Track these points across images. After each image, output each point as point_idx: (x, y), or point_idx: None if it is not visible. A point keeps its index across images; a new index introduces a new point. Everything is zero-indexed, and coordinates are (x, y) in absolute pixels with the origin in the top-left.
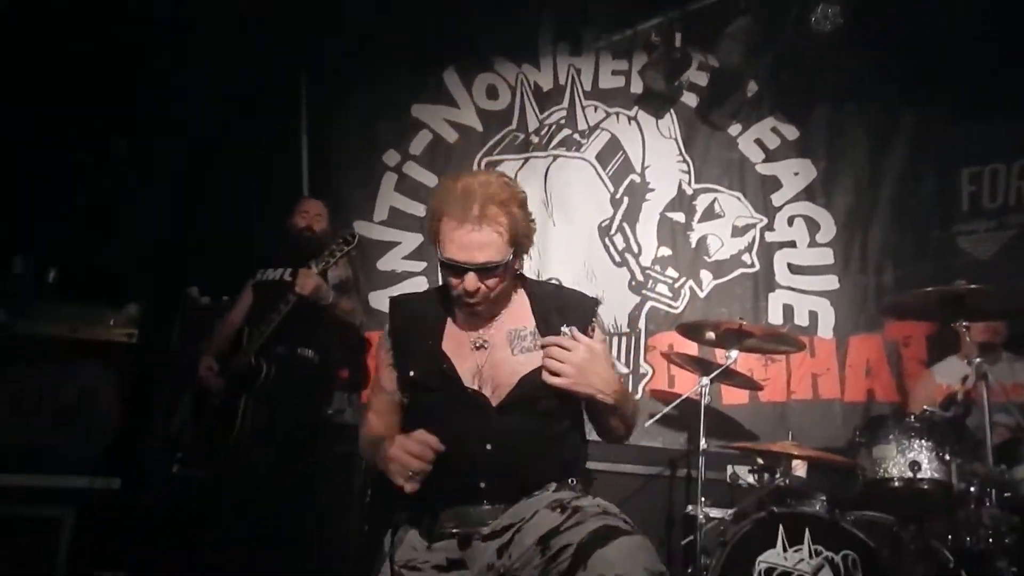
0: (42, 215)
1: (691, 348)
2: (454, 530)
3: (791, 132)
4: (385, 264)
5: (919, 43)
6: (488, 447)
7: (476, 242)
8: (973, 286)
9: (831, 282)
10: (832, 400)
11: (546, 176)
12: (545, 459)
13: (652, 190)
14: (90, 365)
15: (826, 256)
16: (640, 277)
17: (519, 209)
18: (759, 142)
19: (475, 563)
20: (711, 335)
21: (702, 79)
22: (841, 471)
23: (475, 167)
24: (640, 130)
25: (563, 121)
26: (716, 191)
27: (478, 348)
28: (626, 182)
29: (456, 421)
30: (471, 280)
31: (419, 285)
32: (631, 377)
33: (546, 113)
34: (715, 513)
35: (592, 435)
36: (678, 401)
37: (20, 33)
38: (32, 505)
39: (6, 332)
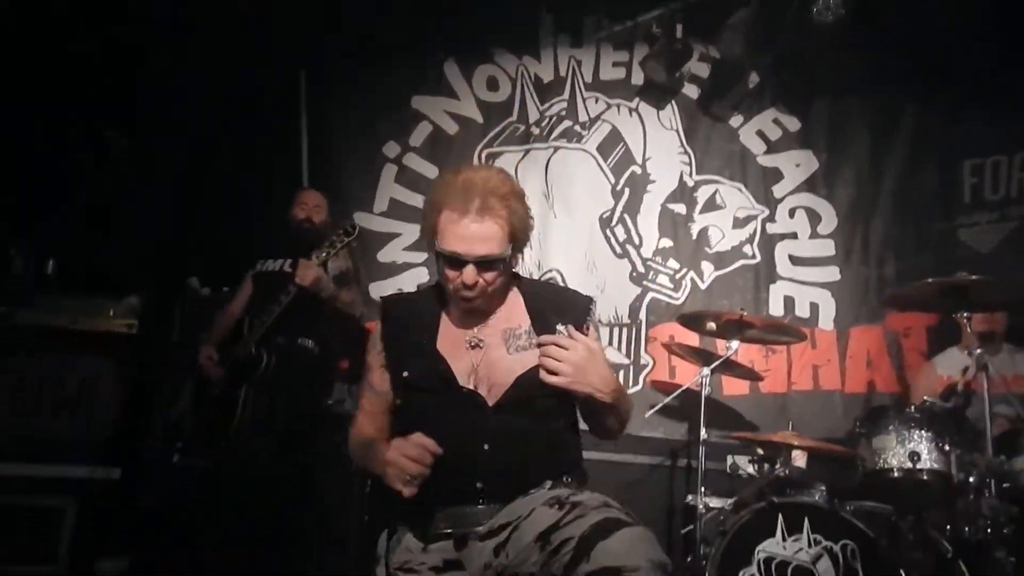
0: (43, 209)
1: (692, 339)
2: (450, 531)
3: (793, 123)
4: (385, 255)
5: (920, 40)
6: (485, 447)
7: (477, 234)
8: (975, 277)
9: (832, 273)
10: (833, 391)
11: (547, 168)
12: (542, 458)
13: (653, 181)
14: (91, 356)
15: (827, 247)
16: (641, 268)
17: (519, 204)
18: (760, 133)
19: (472, 563)
20: (712, 326)
21: (703, 70)
22: (841, 461)
23: (476, 159)
24: (641, 121)
25: (564, 112)
26: (717, 182)
27: (473, 347)
28: (627, 173)
29: (452, 422)
30: (470, 273)
31: (420, 276)
32: (632, 368)
33: (547, 104)
34: (715, 503)
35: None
36: (679, 392)
37: (20, 33)
38: (34, 495)
39: (6, 322)
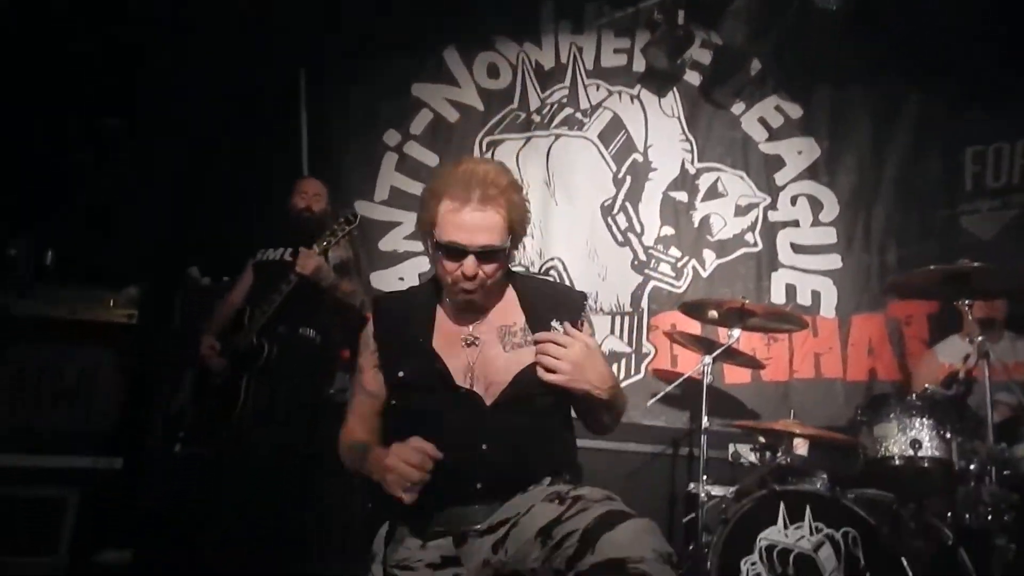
0: (43, 201)
1: (694, 327)
2: (448, 529)
3: (795, 110)
4: (387, 244)
5: (923, 26)
6: (484, 447)
7: (479, 224)
8: (977, 264)
9: (834, 261)
10: (834, 379)
11: (548, 155)
12: (539, 455)
13: (655, 169)
14: (91, 346)
15: (829, 235)
16: (643, 257)
17: (518, 196)
18: (762, 121)
19: (470, 559)
20: (714, 314)
21: (705, 57)
22: (842, 449)
23: (476, 146)
24: (643, 109)
25: (565, 100)
26: (719, 170)
27: (469, 345)
28: (628, 161)
29: (450, 422)
30: (470, 264)
31: (421, 265)
32: (634, 356)
33: (548, 92)
34: (717, 491)
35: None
36: (680, 380)
37: (20, 33)
38: (36, 486)
39: (5, 313)
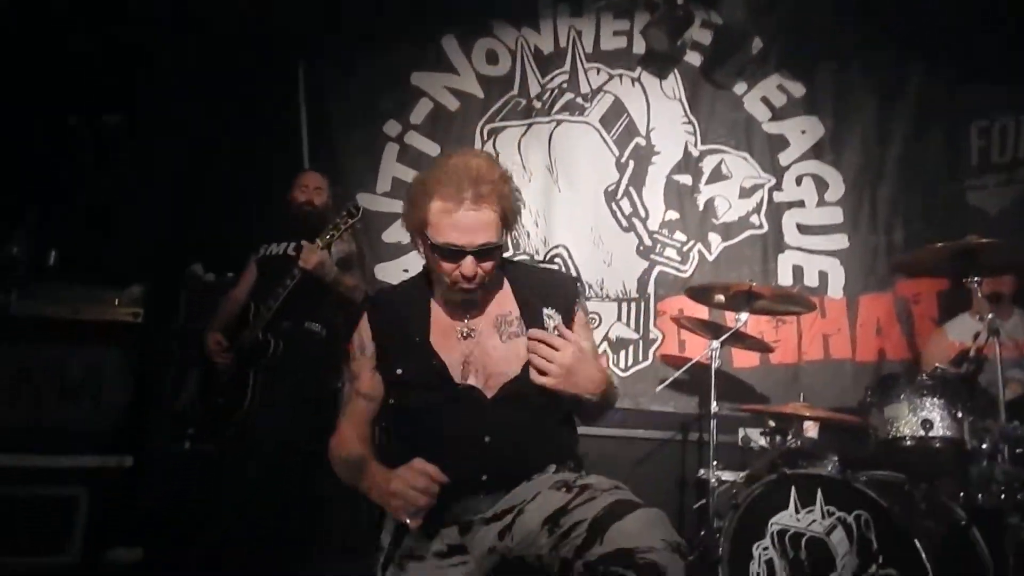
0: (44, 201)
1: (701, 312)
2: (454, 519)
3: (797, 89)
4: (390, 236)
5: (924, 6)
6: (487, 439)
7: (474, 224)
8: (985, 240)
9: (841, 241)
10: (843, 360)
11: (550, 142)
12: (543, 444)
13: (658, 153)
14: (96, 345)
15: (835, 215)
16: (648, 241)
17: (508, 187)
18: (765, 100)
19: (476, 547)
20: (721, 298)
21: (705, 37)
22: (853, 431)
23: (477, 134)
24: (644, 92)
25: (565, 85)
26: (723, 152)
27: (465, 337)
28: (631, 145)
29: (452, 418)
30: (469, 264)
31: None
32: (641, 342)
33: (548, 77)
34: (727, 476)
35: None
36: (688, 365)
37: (20, 32)
38: (47, 485)
39: (8, 313)
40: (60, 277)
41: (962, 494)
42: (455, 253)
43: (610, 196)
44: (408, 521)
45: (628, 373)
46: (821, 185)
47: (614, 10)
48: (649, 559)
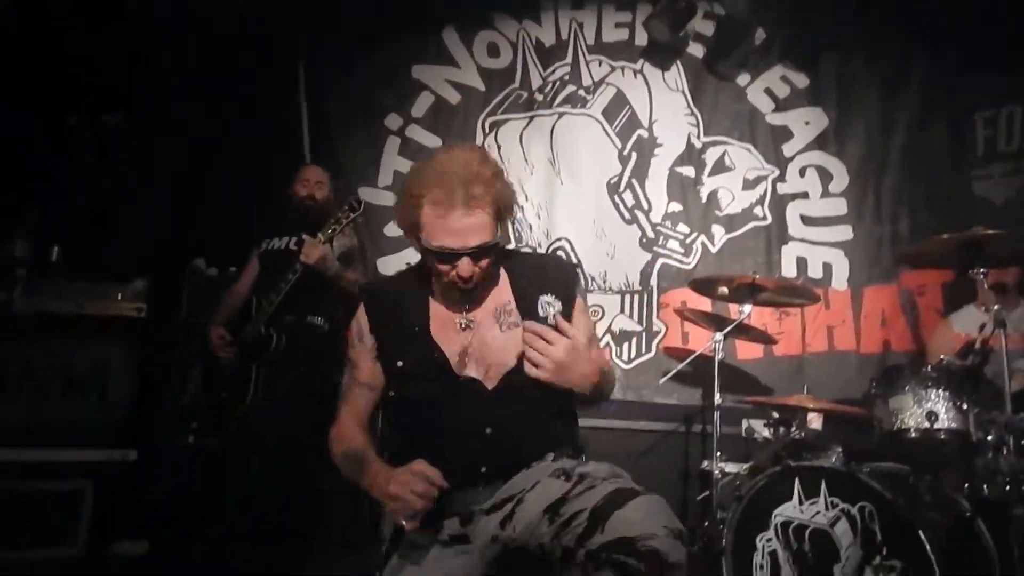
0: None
1: (704, 304)
2: (454, 510)
3: (801, 80)
4: (392, 230)
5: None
6: (488, 431)
7: (469, 226)
8: (991, 231)
9: (845, 232)
10: (848, 352)
11: (552, 134)
12: (543, 433)
13: (660, 145)
14: (100, 340)
15: (839, 206)
16: (651, 234)
17: (502, 183)
18: (768, 91)
19: (478, 536)
20: (724, 290)
21: (708, 28)
22: (857, 423)
23: (479, 128)
24: (646, 83)
25: (567, 77)
26: (726, 143)
27: (464, 328)
28: (634, 137)
29: (452, 409)
30: (466, 266)
31: None
32: (644, 334)
33: (549, 69)
34: (731, 468)
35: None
36: (692, 357)
37: (20, 32)
38: (53, 479)
39: (10, 310)
40: (63, 274)
41: (967, 486)
42: (450, 256)
43: (613, 188)
44: (405, 523)
45: (631, 365)
46: (825, 176)
47: (616, 2)
48: (651, 546)
